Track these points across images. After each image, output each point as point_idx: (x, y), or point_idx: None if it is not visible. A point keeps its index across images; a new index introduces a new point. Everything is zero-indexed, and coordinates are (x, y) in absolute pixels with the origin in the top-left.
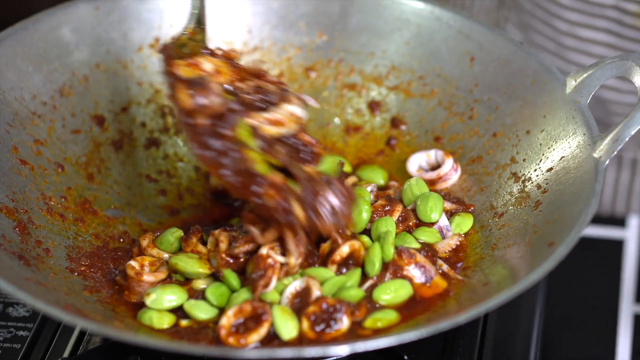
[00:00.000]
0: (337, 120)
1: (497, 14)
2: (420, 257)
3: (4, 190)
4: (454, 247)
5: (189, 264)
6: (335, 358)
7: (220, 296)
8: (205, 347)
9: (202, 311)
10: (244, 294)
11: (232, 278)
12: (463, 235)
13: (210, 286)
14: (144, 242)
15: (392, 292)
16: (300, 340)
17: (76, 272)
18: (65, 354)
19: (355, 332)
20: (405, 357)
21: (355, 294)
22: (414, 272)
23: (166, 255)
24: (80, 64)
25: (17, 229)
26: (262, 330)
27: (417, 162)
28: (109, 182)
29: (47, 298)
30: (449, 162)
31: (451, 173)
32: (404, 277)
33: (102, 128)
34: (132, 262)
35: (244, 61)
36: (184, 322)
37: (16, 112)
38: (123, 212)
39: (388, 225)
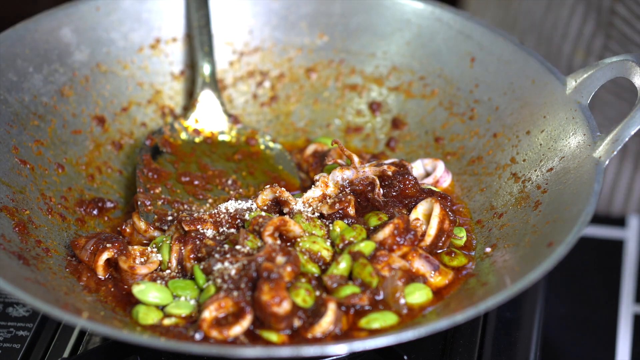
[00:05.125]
0: (337, 121)
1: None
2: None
3: (4, 190)
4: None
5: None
6: (335, 357)
7: (191, 291)
8: (205, 346)
9: (181, 308)
10: (212, 288)
11: (199, 276)
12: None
13: (176, 283)
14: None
15: (418, 294)
16: None
17: None
18: (65, 354)
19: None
20: (405, 357)
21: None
22: (421, 266)
23: (156, 233)
24: (80, 65)
25: (16, 229)
26: (245, 323)
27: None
28: (109, 182)
29: (46, 297)
30: (441, 165)
31: (445, 175)
32: (414, 274)
33: (102, 128)
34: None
35: (245, 61)
36: (167, 322)
37: (17, 113)
38: (123, 212)
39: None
